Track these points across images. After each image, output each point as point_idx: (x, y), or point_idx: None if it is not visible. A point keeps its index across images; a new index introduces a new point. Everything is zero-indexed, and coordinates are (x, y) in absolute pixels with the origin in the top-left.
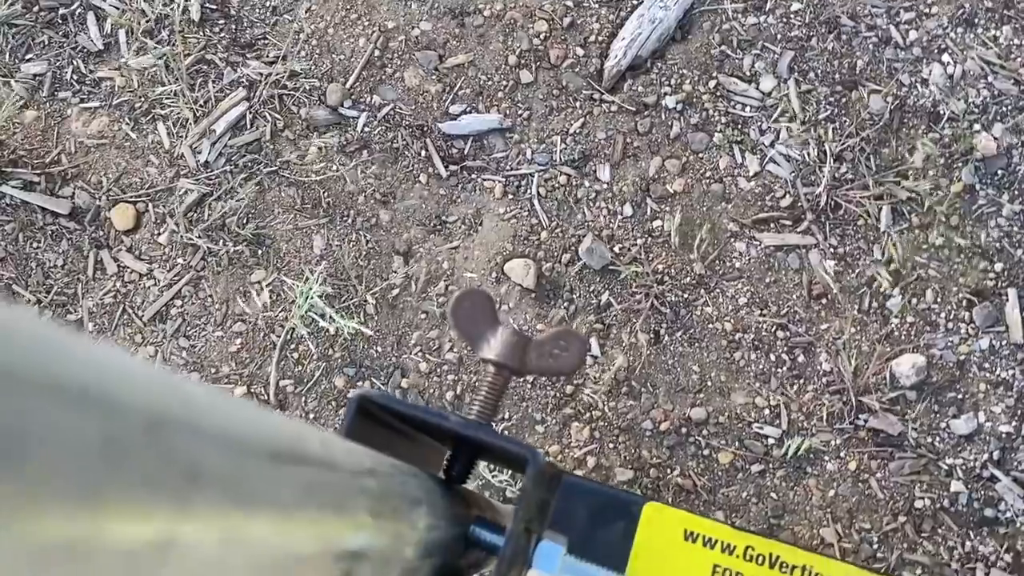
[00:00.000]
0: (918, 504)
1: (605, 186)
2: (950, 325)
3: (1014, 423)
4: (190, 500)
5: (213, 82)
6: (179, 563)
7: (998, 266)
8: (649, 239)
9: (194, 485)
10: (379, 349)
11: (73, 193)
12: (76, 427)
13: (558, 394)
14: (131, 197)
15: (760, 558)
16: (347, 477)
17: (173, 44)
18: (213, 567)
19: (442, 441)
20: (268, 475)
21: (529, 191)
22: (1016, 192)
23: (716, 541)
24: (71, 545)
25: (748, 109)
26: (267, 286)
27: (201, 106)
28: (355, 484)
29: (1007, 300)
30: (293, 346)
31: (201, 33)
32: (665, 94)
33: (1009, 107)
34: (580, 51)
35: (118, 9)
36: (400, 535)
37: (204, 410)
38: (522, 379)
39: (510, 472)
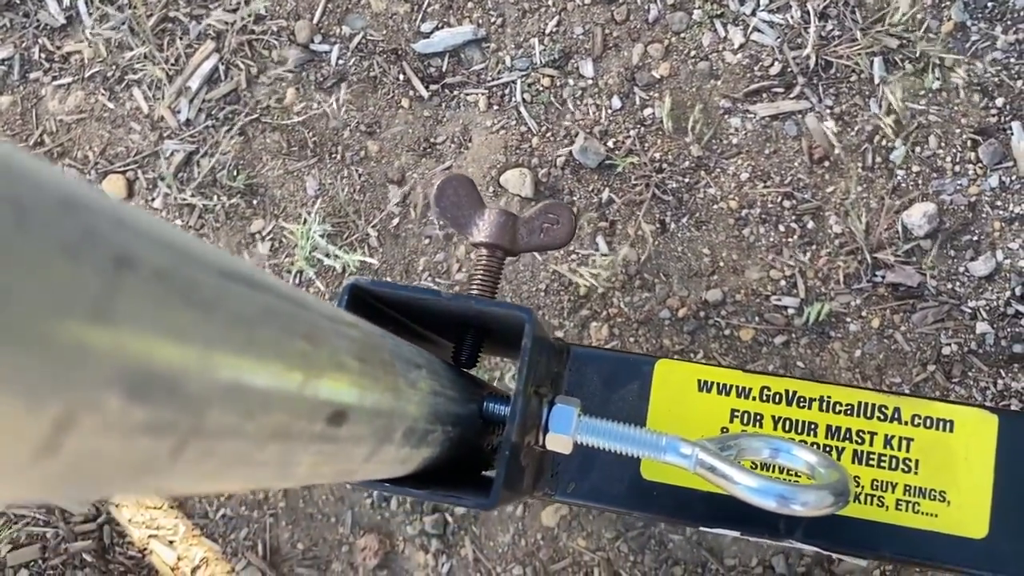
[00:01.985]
0: (945, 351)
1: (590, 82)
2: (957, 168)
3: None
4: (122, 283)
5: (180, 39)
6: (124, 344)
7: (999, 101)
8: (642, 128)
9: (125, 268)
10: (388, 279)
11: (62, 171)
12: None
13: (572, 297)
14: (119, 167)
15: (777, 396)
16: (320, 317)
17: (134, 7)
18: (170, 362)
19: (444, 331)
20: (218, 285)
21: (514, 99)
22: (1009, 22)
23: (731, 387)
24: None
25: None
26: (267, 234)
27: (172, 65)
28: (332, 327)
29: (1012, 134)
30: (302, 289)
31: None
32: None
33: None
34: None
35: None
36: (397, 389)
37: (134, 213)
38: (535, 288)
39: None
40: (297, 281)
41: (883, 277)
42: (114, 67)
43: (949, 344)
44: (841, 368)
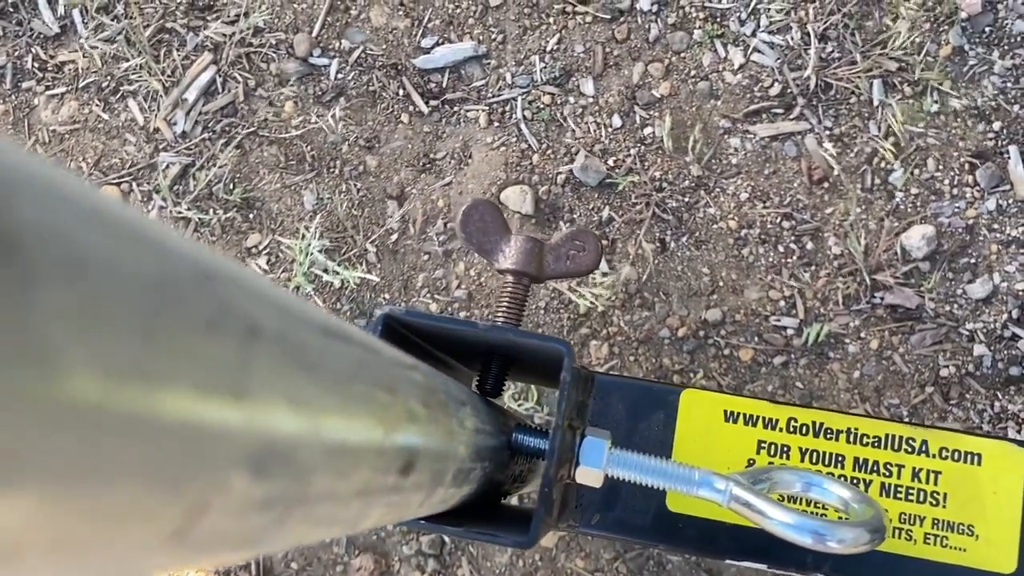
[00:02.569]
0: (943, 373)
1: (591, 100)
2: (955, 191)
3: None
4: (252, 353)
5: (177, 50)
6: (249, 420)
7: (996, 125)
8: (642, 147)
9: (255, 340)
10: (387, 296)
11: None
12: (132, 260)
13: (572, 315)
14: (114, 179)
15: (804, 428)
16: (393, 364)
17: (130, 17)
18: (284, 434)
19: (470, 360)
20: (322, 345)
21: (514, 116)
22: (1006, 47)
23: (758, 418)
24: (133, 380)
25: (725, 1)
26: (264, 248)
27: (169, 76)
28: (402, 373)
29: (1009, 158)
30: None
31: (157, 1)
32: None
33: None
34: None
35: None
36: (451, 431)
37: (253, 276)
38: (534, 307)
39: (535, 398)
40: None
41: (882, 299)
42: (109, 77)
43: (947, 366)
44: (840, 389)
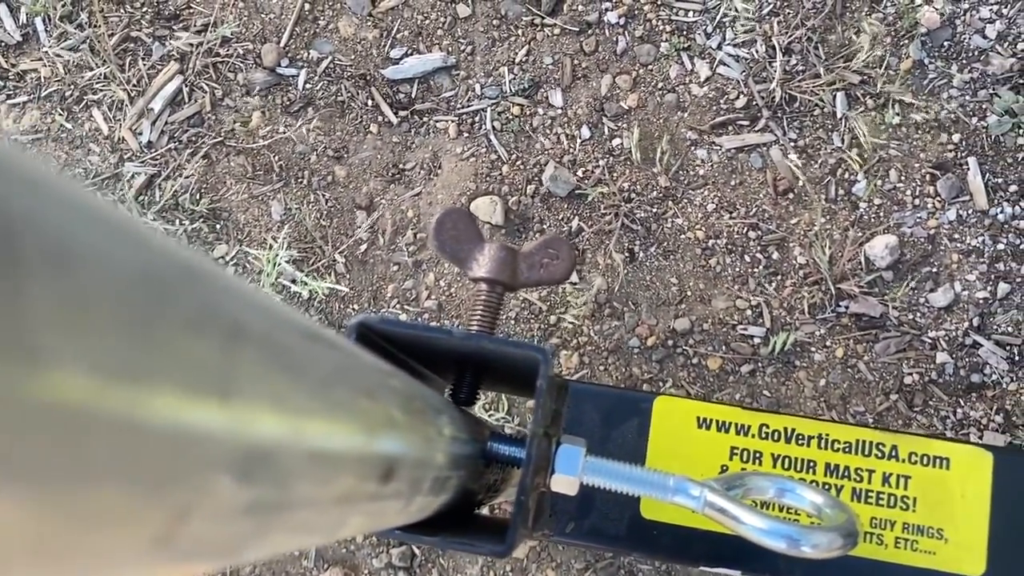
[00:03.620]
0: (907, 380)
1: (559, 111)
2: (917, 201)
3: (989, 288)
4: (237, 353)
5: (143, 59)
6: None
7: (956, 137)
8: (611, 158)
9: (239, 340)
10: (356, 307)
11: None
12: (119, 255)
13: (542, 325)
14: None
15: (776, 434)
16: (374, 370)
17: (95, 25)
18: (269, 438)
19: (443, 369)
20: (305, 348)
21: (484, 127)
22: (964, 61)
23: (730, 424)
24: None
25: (691, 14)
26: (231, 259)
27: (134, 86)
28: (382, 379)
29: (968, 169)
30: None
31: (122, 10)
32: (606, 10)
33: None
34: None
35: None
36: (430, 439)
37: (237, 279)
38: (504, 317)
39: (506, 409)
40: None
41: (847, 307)
42: (73, 87)
43: (911, 374)
44: (806, 397)
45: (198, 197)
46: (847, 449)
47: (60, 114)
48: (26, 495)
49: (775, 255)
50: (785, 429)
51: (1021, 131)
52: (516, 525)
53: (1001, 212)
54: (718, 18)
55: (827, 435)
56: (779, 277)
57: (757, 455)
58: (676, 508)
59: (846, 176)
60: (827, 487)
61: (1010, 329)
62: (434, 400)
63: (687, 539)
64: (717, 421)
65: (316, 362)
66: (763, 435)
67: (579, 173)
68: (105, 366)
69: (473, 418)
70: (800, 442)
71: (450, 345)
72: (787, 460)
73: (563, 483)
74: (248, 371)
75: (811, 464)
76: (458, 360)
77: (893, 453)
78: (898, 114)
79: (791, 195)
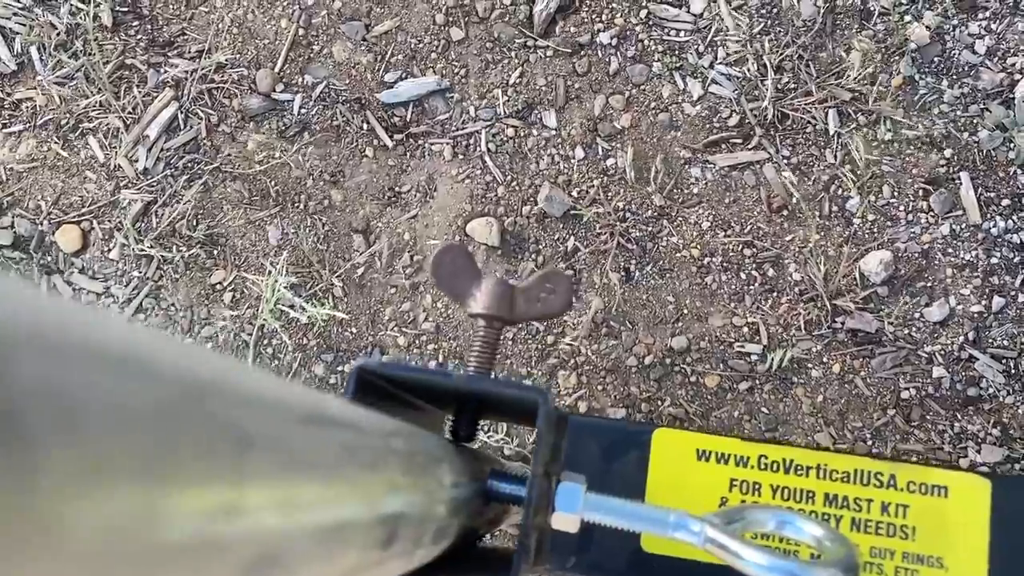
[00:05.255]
0: (904, 395)
1: (553, 132)
2: (910, 217)
3: (983, 302)
4: (245, 467)
5: (138, 87)
6: (245, 533)
7: (947, 152)
8: (605, 178)
9: (247, 452)
10: (354, 331)
11: (12, 222)
12: (128, 395)
13: (540, 345)
14: (74, 217)
15: (775, 465)
16: (375, 437)
17: (90, 54)
18: (276, 536)
19: (444, 404)
20: (307, 438)
21: (479, 149)
22: (954, 77)
23: (729, 455)
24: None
25: (683, 34)
26: (229, 285)
27: (130, 113)
28: (383, 444)
29: (961, 184)
30: (266, 341)
31: (117, 38)
32: (598, 31)
33: None
34: (507, 0)
35: (25, 26)
36: (431, 493)
37: (236, 377)
38: (502, 337)
39: (504, 430)
40: (261, 333)
41: (843, 323)
42: (68, 115)
43: (908, 388)
44: (804, 413)
45: (195, 223)
46: (845, 479)
47: (56, 142)
48: None
49: (770, 272)
50: (783, 460)
51: (1012, 145)
52: (519, 565)
53: (994, 226)
54: (709, 37)
55: (825, 465)
56: (775, 294)
57: (756, 486)
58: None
59: (839, 192)
60: (826, 517)
61: (1006, 342)
62: (435, 449)
63: (688, 572)
64: (716, 453)
65: (320, 450)
66: (762, 466)
67: (574, 193)
68: (122, 512)
69: (472, 455)
70: (799, 472)
71: (450, 387)
72: (786, 491)
73: (564, 521)
74: (256, 479)
75: (810, 494)
76: (458, 397)
77: (891, 482)
78: (890, 130)
79: (785, 212)
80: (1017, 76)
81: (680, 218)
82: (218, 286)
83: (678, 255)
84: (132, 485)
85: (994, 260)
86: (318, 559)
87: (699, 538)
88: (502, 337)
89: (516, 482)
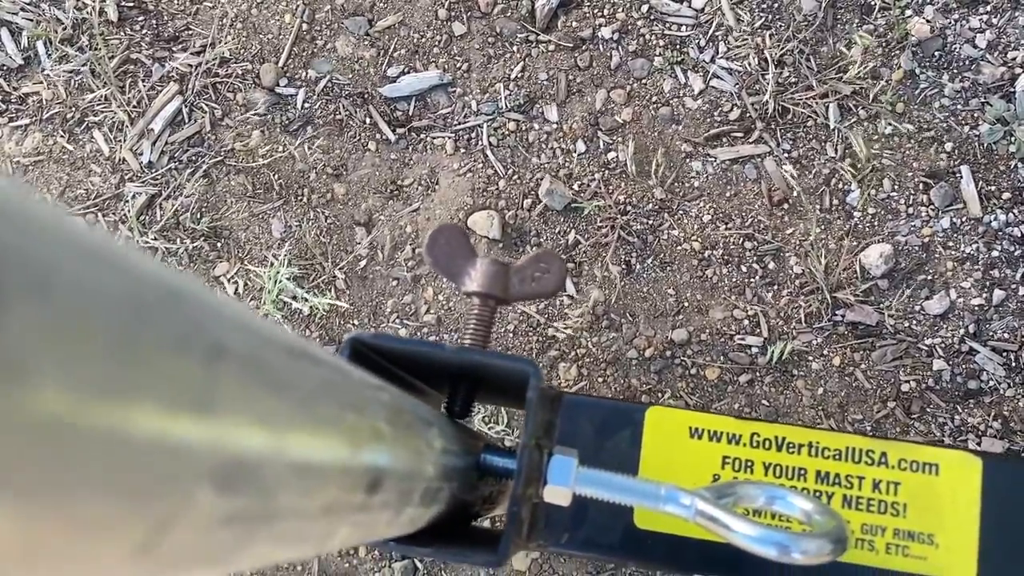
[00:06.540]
0: (904, 388)
1: (555, 126)
2: (911, 210)
3: (984, 295)
4: (218, 371)
5: (143, 81)
6: (213, 438)
7: (948, 145)
8: (606, 172)
9: (220, 359)
10: (356, 322)
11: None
12: (100, 280)
13: (541, 337)
14: (79, 210)
15: (767, 443)
16: (361, 385)
17: (95, 48)
18: (248, 450)
19: (438, 382)
20: (288, 365)
21: (480, 142)
22: (955, 71)
23: (722, 433)
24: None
25: (684, 28)
26: (232, 277)
27: (135, 107)
28: (369, 393)
29: (961, 177)
30: None
31: (122, 33)
32: (600, 25)
33: None
34: None
35: (32, 21)
36: (419, 451)
37: (220, 298)
38: (503, 330)
39: (505, 421)
40: None
41: (843, 316)
42: (74, 108)
43: (908, 381)
44: (804, 406)
45: (199, 216)
46: (837, 456)
47: (61, 136)
48: (13, 505)
49: (771, 265)
50: (776, 438)
51: (1013, 139)
52: (509, 535)
53: (995, 219)
54: (711, 32)
55: (817, 443)
56: (775, 287)
57: (748, 464)
58: (669, 518)
59: (840, 186)
60: (818, 494)
61: (1006, 335)
62: (424, 413)
63: (681, 548)
64: (709, 431)
65: (300, 378)
66: (754, 444)
67: (575, 187)
68: (87, 384)
69: (467, 431)
70: (791, 450)
71: (442, 359)
72: (778, 468)
73: (556, 494)
74: (229, 387)
75: (802, 472)
76: (452, 374)
77: (883, 460)
78: (890, 124)
79: (786, 205)
80: (1018, 70)
81: (681, 211)
82: (222, 278)
83: (679, 248)
84: (101, 357)
85: (995, 253)
86: (295, 484)
87: (690, 511)
88: (496, 317)
89: (509, 456)
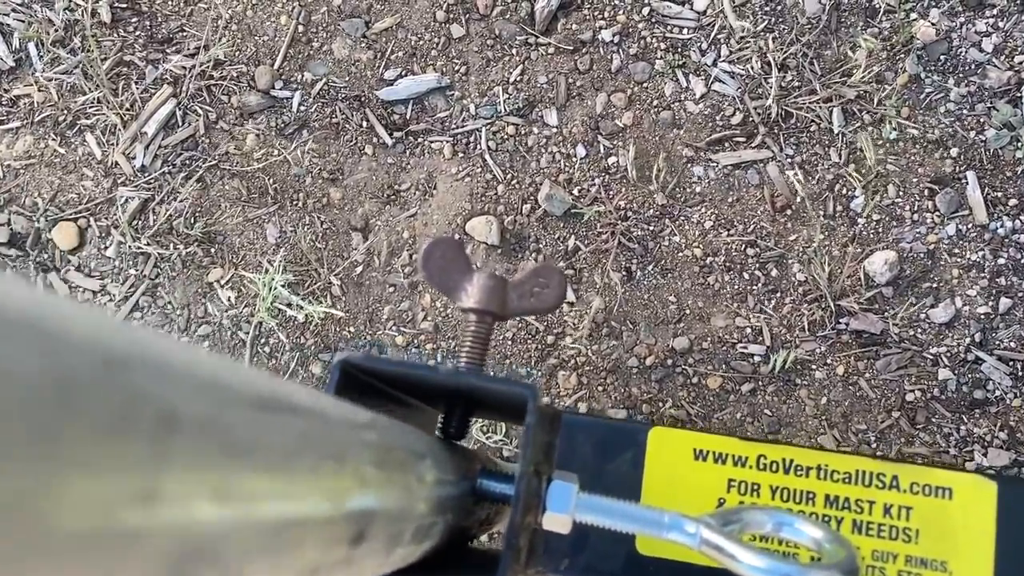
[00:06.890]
0: (909, 397)
1: (554, 130)
2: (915, 216)
3: (990, 303)
4: (170, 448)
5: (136, 83)
6: (166, 524)
7: (953, 151)
8: (607, 177)
9: (171, 431)
10: (352, 329)
11: (9, 219)
12: (17, 360)
13: (540, 345)
14: (71, 214)
15: (774, 465)
16: (344, 429)
17: (88, 50)
18: (208, 529)
19: (433, 401)
20: (256, 423)
21: (479, 147)
22: (961, 75)
23: (727, 455)
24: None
25: (686, 31)
26: (226, 283)
27: (128, 110)
28: (354, 436)
29: (967, 183)
30: (263, 340)
31: (115, 35)
32: (600, 28)
33: None
34: None
35: (23, 22)
36: (409, 489)
37: (168, 353)
38: (501, 337)
39: (504, 431)
40: (258, 332)
41: (847, 324)
42: (66, 111)
43: (912, 391)
44: (808, 416)
45: (192, 221)
46: (847, 479)
47: (53, 139)
48: None
49: (774, 272)
50: (783, 460)
51: (1020, 144)
52: (507, 564)
53: (1001, 226)
54: (713, 35)
55: (826, 465)
56: (778, 294)
57: (755, 487)
58: (673, 544)
59: (844, 192)
60: (827, 519)
61: (1013, 344)
62: (416, 444)
63: (685, 575)
64: (714, 453)
65: (271, 436)
66: (761, 466)
67: (575, 192)
68: (11, 490)
69: (462, 453)
70: (799, 473)
71: (436, 382)
72: (786, 492)
73: (555, 522)
74: (183, 461)
75: (810, 495)
76: (447, 394)
77: (894, 483)
78: (895, 129)
79: (789, 211)
80: None
81: (682, 217)
82: (215, 284)
83: (680, 255)
84: (18, 463)
85: (1001, 260)
86: (265, 556)
87: (695, 540)
88: (494, 333)
89: (507, 480)
